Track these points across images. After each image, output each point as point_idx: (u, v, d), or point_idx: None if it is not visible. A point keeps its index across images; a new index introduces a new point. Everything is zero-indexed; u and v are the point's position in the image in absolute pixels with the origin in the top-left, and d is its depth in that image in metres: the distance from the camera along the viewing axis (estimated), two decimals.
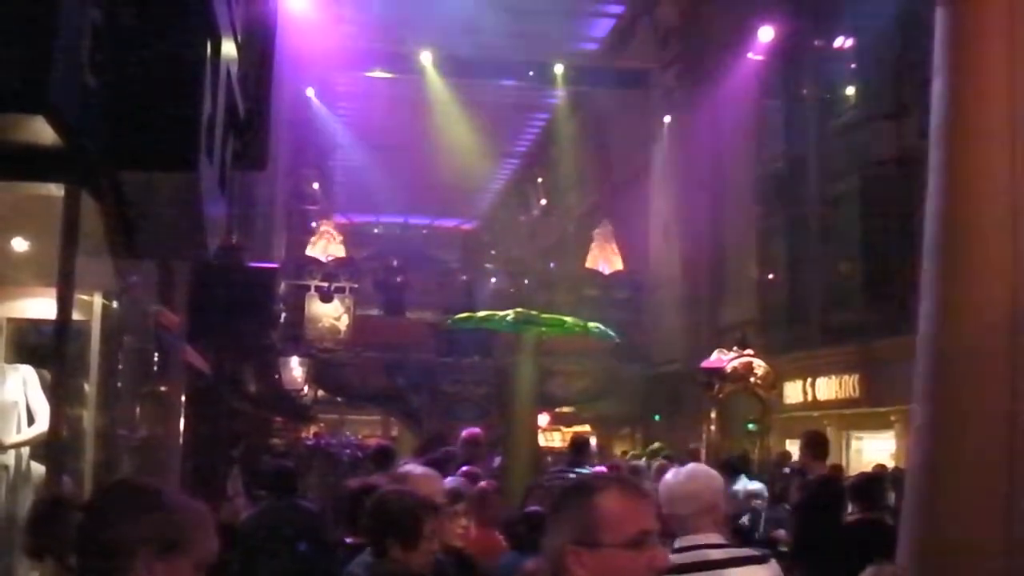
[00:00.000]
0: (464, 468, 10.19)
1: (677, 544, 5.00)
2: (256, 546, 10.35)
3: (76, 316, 6.84)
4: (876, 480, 11.33)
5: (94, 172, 5.75)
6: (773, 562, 5.29)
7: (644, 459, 18.11)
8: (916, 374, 5.30)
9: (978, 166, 5.15)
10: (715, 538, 5.10)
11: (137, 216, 6.57)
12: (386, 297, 35.36)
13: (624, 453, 27.17)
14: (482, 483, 8.89)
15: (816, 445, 10.94)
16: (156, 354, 10.82)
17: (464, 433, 12.99)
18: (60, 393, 6.23)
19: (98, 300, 7.82)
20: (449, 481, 7.93)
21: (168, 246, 7.86)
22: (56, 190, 5.67)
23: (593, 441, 32.24)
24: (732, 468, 13.38)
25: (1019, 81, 5.04)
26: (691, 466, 5.67)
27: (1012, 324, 4.94)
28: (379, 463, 11.16)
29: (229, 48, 7.43)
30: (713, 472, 5.54)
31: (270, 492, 10.91)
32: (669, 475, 5.49)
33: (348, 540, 7.74)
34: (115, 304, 8.14)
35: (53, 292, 5.94)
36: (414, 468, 7.10)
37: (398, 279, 35.65)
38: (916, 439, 5.37)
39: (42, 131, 4.91)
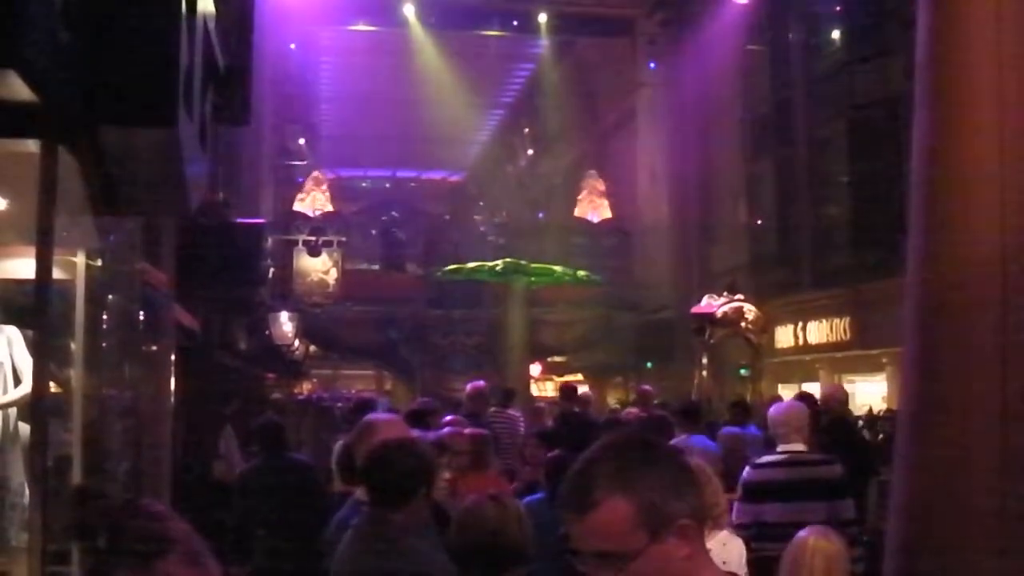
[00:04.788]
0: (447, 418, 10.21)
1: (779, 448, 8.35)
2: (251, 501, 10.36)
3: (59, 275, 6.78)
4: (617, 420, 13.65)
5: (70, 128, 5.68)
6: (838, 464, 8.40)
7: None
8: (906, 308, 5.25)
9: (964, 99, 5.09)
10: (800, 447, 8.32)
11: (116, 172, 6.50)
12: (386, 251, 35.21)
13: (621, 403, 27.24)
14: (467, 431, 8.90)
15: (566, 393, 15.23)
16: (144, 312, 10.77)
17: (469, 387, 13.14)
18: (42, 353, 6.16)
19: (81, 259, 7.75)
20: (434, 434, 7.93)
21: (149, 202, 7.79)
22: (33, 146, 5.59)
23: (586, 389, 32.48)
24: (744, 411, 13.46)
25: (1005, 11, 4.97)
26: (788, 400, 9.94)
27: (1002, 254, 4.89)
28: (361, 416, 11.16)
29: (206, 2, 7.34)
30: (802, 406, 8.93)
31: (262, 448, 10.89)
32: (772, 408, 8.95)
33: (339, 490, 7.72)
34: (99, 262, 8.08)
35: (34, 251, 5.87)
36: (379, 416, 7.08)
37: (397, 233, 35.55)
38: (905, 376, 5.34)
39: (15, 86, 4.83)
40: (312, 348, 33.89)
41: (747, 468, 8.41)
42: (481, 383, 13.25)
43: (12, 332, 7.83)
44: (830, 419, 11.35)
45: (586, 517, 2.56)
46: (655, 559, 2.54)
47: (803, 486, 8.18)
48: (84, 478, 7.69)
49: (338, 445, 10.26)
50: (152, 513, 3.03)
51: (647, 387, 17.35)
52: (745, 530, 7.79)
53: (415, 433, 6.64)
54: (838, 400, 11.93)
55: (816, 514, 7.78)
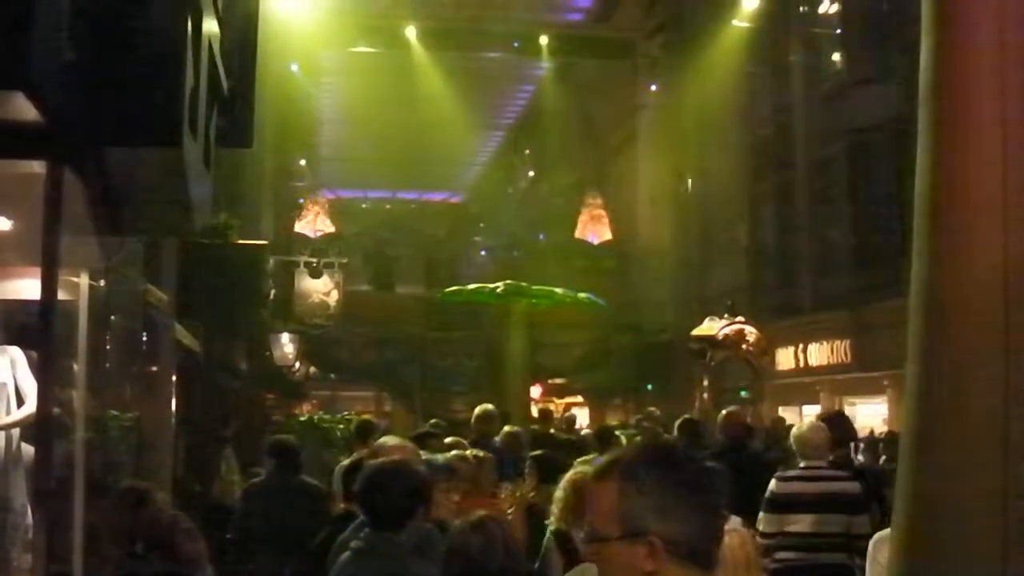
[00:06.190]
0: (449, 440, 10.22)
1: (801, 464, 9.00)
2: (253, 517, 10.35)
3: (63, 295, 6.78)
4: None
5: (76, 149, 5.69)
6: (856, 481, 9.02)
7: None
8: (910, 330, 5.27)
9: (967, 121, 5.11)
10: (822, 463, 8.99)
11: (121, 193, 6.51)
12: (376, 272, 35.26)
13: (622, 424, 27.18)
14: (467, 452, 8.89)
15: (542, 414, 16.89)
16: (146, 333, 10.78)
17: (478, 409, 13.15)
18: (46, 373, 6.16)
19: (85, 279, 7.76)
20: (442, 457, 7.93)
21: (153, 224, 7.80)
22: (38, 167, 5.60)
23: (586, 412, 32.39)
24: (748, 432, 13.49)
25: (1009, 34, 4.99)
26: (811, 420, 10.18)
27: (1004, 275, 4.91)
28: (361, 437, 11.21)
29: (211, 23, 7.35)
30: (823, 425, 9.41)
31: (273, 465, 10.85)
32: (795, 428, 9.81)
33: (343, 508, 7.73)
34: (102, 283, 8.09)
35: (39, 272, 5.87)
36: (387, 440, 7.09)
37: (388, 254, 35.56)
38: (909, 395, 5.35)
39: (22, 107, 4.85)
40: (312, 369, 33.87)
41: (773, 481, 9.05)
42: (490, 406, 13.27)
43: (15, 353, 7.82)
44: (728, 441, 11.69)
45: (595, 485, 2.78)
46: (618, 554, 2.66)
47: (823, 500, 8.78)
48: (85, 498, 7.69)
49: (339, 467, 10.28)
50: (189, 531, 3.06)
51: (652, 408, 17.45)
52: (770, 539, 8.66)
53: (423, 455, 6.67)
54: (739, 424, 12.20)
55: (834, 526, 8.71)
